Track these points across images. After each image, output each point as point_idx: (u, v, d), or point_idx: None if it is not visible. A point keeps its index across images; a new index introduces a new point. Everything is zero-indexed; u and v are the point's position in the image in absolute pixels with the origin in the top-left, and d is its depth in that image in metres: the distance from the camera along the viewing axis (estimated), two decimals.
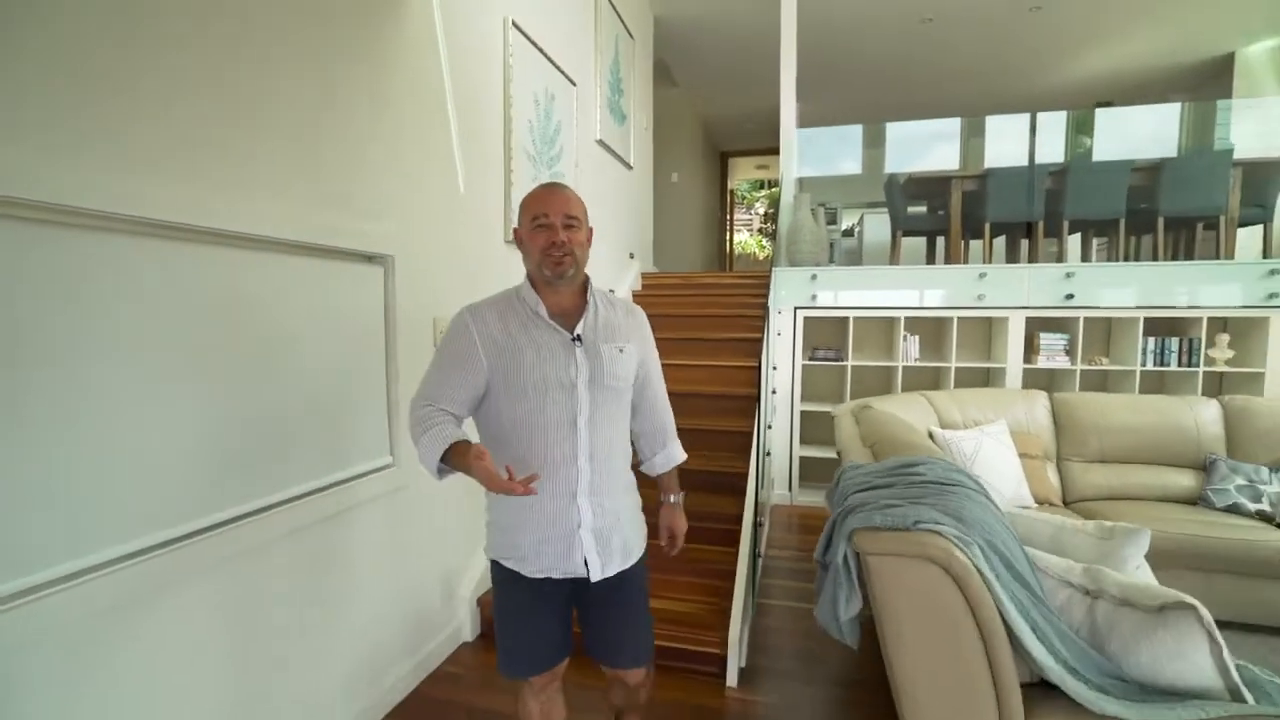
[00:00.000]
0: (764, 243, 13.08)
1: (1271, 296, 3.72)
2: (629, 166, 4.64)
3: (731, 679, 2.27)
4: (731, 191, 11.01)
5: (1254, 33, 5.66)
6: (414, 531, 2.25)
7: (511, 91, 2.77)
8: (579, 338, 1.34)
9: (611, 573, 1.38)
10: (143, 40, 1.29)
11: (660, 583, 2.58)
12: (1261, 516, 2.82)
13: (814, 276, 4.33)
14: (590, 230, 1.39)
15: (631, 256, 4.83)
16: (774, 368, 4.01)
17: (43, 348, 1.14)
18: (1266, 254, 4.46)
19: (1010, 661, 1.18)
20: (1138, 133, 6.45)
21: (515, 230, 1.38)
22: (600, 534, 1.36)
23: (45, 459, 1.15)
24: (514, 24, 2.79)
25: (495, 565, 1.43)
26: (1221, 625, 1.25)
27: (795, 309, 4.33)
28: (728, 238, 10.52)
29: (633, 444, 1.53)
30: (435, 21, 2.27)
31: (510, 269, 2.80)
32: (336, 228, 1.81)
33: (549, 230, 1.29)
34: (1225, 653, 1.21)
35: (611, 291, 1.54)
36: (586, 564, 1.35)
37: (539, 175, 3.06)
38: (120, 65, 1.24)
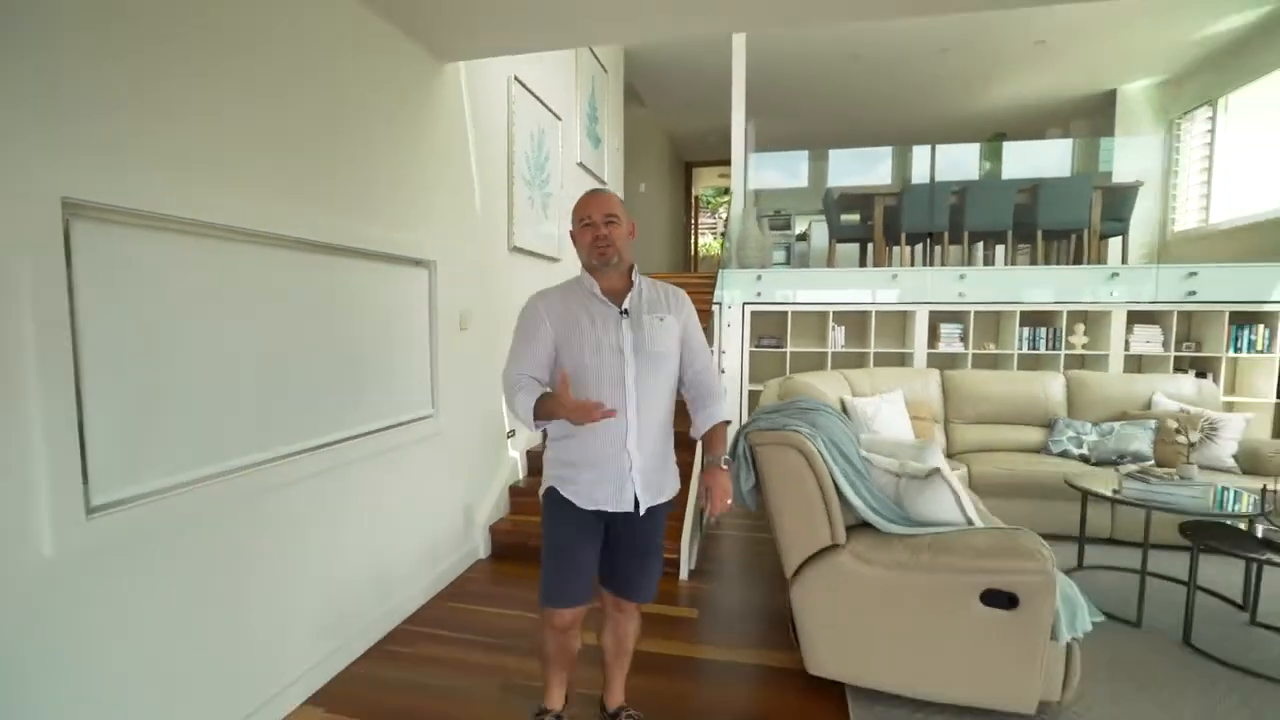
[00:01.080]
0: (726, 245, 13.95)
1: (1113, 294, 4.70)
2: (604, 183, 5.43)
3: (683, 575, 3.08)
4: (696, 198, 11.89)
5: (1132, 73, 6.71)
6: (445, 469, 3.01)
7: (513, 132, 3.54)
8: (626, 311, 1.62)
9: (652, 503, 1.64)
10: (292, 126, 2.03)
11: None
12: (1081, 459, 3.75)
13: (759, 277, 5.18)
14: (632, 224, 1.66)
15: None
16: (723, 352, 4.84)
17: (199, 324, 1.88)
18: (1124, 260, 5.47)
19: (836, 502, 2.01)
20: (1042, 159, 7.51)
21: (571, 231, 1.67)
22: (645, 474, 1.62)
23: (197, 402, 1.89)
24: (515, 78, 3.55)
25: (550, 493, 1.67)
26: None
27: (744, 304, 5.18)
28: (692, 241, 11.37)
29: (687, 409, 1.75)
30: (462, 84, 3.03)
31: (511, 272, 3.56)
32: (399, 241, 2.56)
33: (593, 228, 1.60)
34: (963, 499, 2.06)
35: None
36: (636, 500, 1.62)
37: (533, 196, 3.83)
38: (290, 146, 1.99)
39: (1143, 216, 6.48)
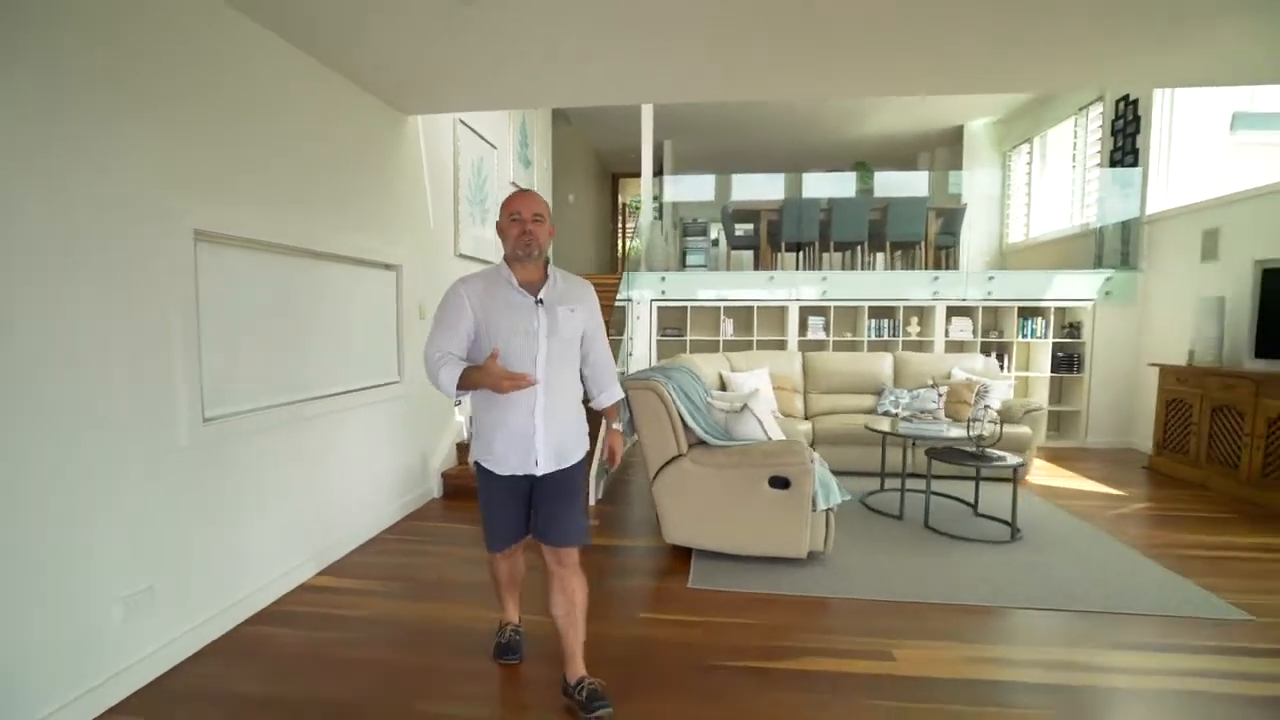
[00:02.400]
0: (635, 251, 15.07)
1: (935, 294, 6.03)
2: None
3: (592, 501, 4.09)
4: (625, 205, 12.94)
5: (975, 114, 8.17)
6: (410, 423, 3.91)
7: (459, 162, 4.46)
8: (541, 301, 1.82)
9: (553, 469, 1.87)
10: (304, 171, 2.92)
11: None
12: (898, 418, 4.99)
13: (663, 279, 6.26)
14: (552, 228, 1.88)
15: None
16: (632, 339, 5.89)
17: (256, 308, 2.76)
18: (957, 267, 6.85)
19: (680, 426, 3.07)
20: (910, 183, 8.95)
21: (498, 223, 1.86)
22: (548, 442, 1.84)
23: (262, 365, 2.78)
24: (460, 120, 4.47)
25: (478, 468, 1.92)
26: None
27: (651, 301, 6.25)
28: (619, 243, 12.41)
29: (584, 385, 2.01)
30: (419, 130, 3.94)
31: (457, 272, 4.46)
32: (376, 250, 3.45)
33: (521, 223, 1.80)
34: (765, 425, 3.17)
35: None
36: (538, 463, 1.85)
37: (473, 212, 4.75)
38: (302, 184, 2.88)
39: (988, 230, 8.00)
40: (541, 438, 1.84)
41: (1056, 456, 5.48)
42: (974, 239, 7.85)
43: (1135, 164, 5.79)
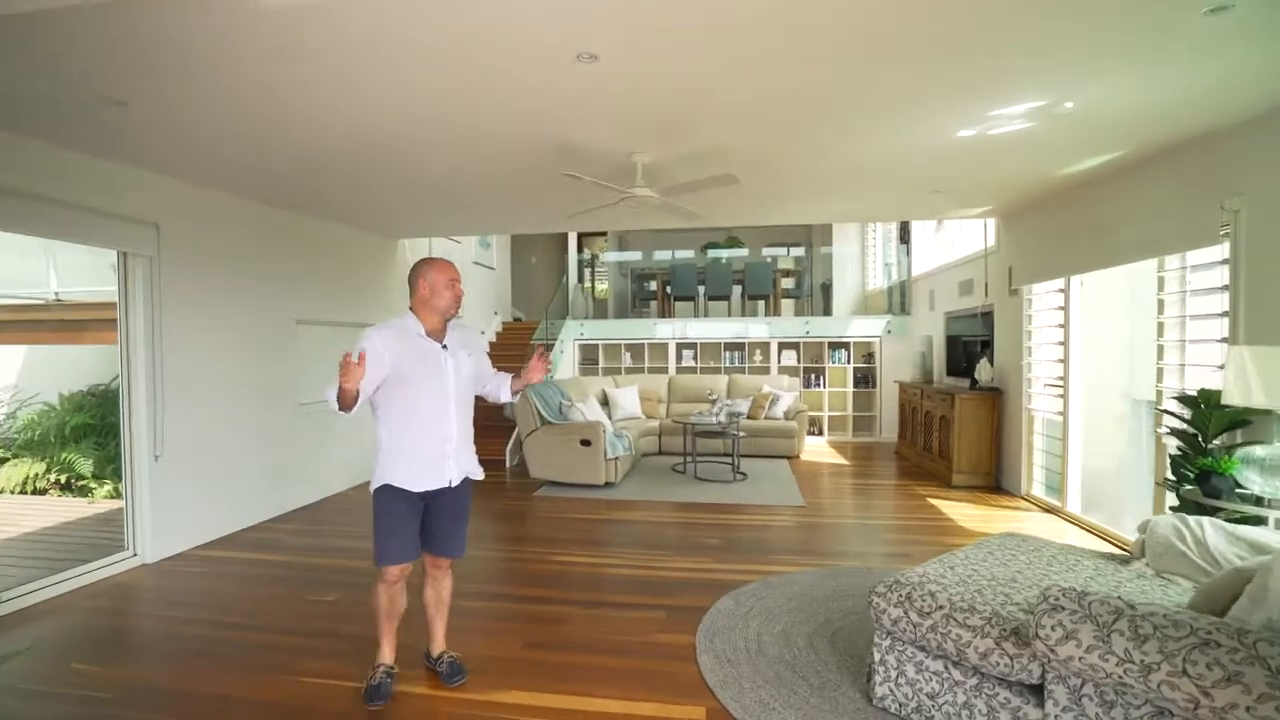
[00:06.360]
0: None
1: (770, 333, 8.61)
2: (492, 268, 9.11)
3: (507, 466, 6.68)
4: (594, 257, 15.71)
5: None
6: None
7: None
8: (446, 346, 2.28)
9: (459, 480, 2.30)
10: (333, 281, 5.65)
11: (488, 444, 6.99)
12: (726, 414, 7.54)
13: (582, 324, 8.93)
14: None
15: (496, 314, 9.28)
16: (555, 368, 8.54)
17: (313, 362, 5.47)
18: (799, 314, 9.41)
19: (536, 414, 5.69)
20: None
21: (423, 283, 2.25)
22: (458, 459, 2.30)
23: None
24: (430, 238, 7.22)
25: (382, 490, 2.22)
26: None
27: (574, 340, 8.91)
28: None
29: (485, 393, 2.53)
30: (405, 244, 6.68)
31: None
32: (374, 321, 6.15)
33: (456, 287, 2.28)
34: (586, 414, 5.80)
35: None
36: (451, 479, 2.27)
37: None
38: (334, 286, 5.60)
39: (854, 280, 10.54)
40: (453, 455, 2.29)
41: (842, 445, 7.99)
42: (844, 286, 10.42)
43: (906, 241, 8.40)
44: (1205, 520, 2.28)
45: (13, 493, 5.38)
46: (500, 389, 2.51)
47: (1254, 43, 2.30)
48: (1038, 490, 5.16)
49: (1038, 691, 1.80)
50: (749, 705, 2.20)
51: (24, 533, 4.45)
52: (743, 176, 3.92)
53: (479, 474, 2.41)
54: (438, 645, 2.46)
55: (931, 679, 2.02)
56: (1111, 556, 2.53)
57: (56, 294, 5.88)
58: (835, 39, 2.29)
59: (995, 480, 5.61)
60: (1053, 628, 1.65)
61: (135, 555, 3.74)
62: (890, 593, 2.11)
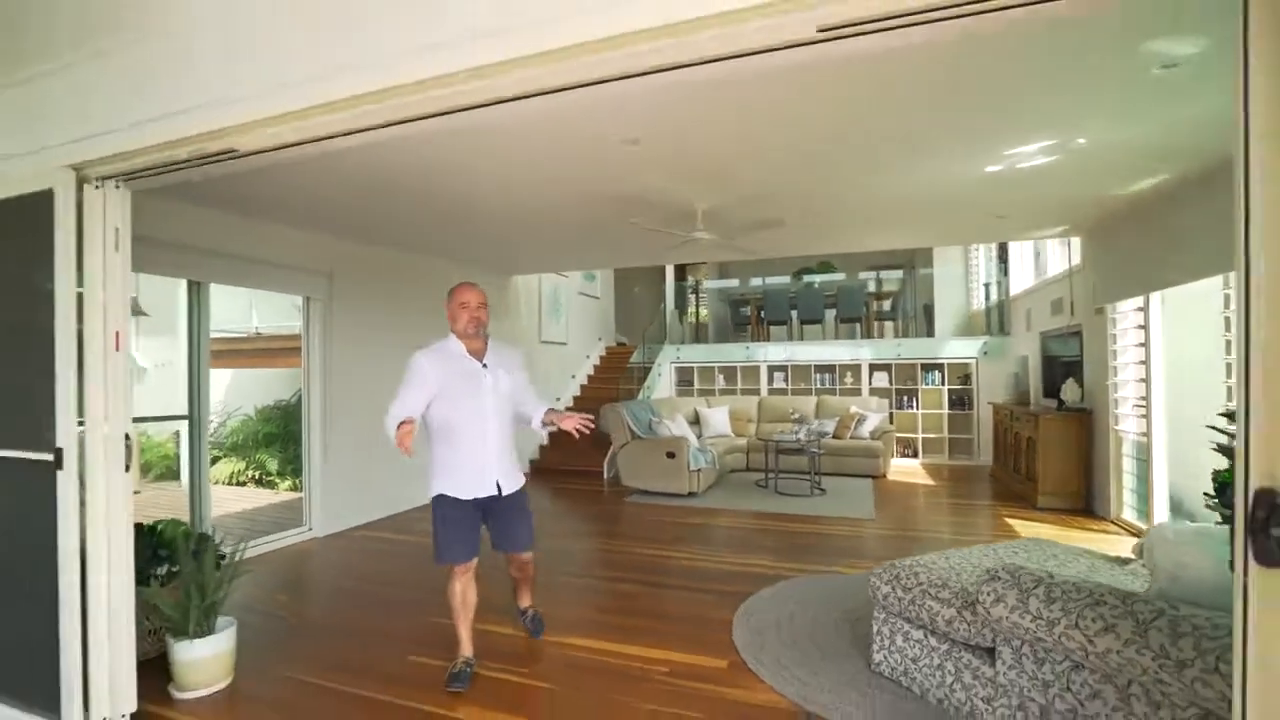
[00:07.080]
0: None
1: (860, 355, 8.75)
2: (597, 298, 10.01)
3: (605, 478, 7.40)
4: (698, 283, 16.37)
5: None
6: None
7: (541, 290, 8.15)
8: (486, 364, 2.52)
9: (508, 492, 2.56)
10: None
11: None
12: (807, 432, 7.81)
13: (678, 348, 9.56)
14: (488, 309, 2.59)
15: (600, 339, 10.15)
16: (654, 389, 9.20)
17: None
18: (896, 335, 9.44)
19: (629, 428, 6.36)
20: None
21: (447, 309, 2.54)
22: (501, 471, 2.54)
23: None
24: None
25: (439, 497, 2.48)
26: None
27: (670, 363, 9.55)
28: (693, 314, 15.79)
29: (520, 415, 2.67)
30: (518, 280, 7.68)
31: (539, 352, 8.08)
32: (502, 335, 7.15)
33: (469, 309, 2.51)
34: (673, 430, 6.39)
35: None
36: (499, 486, 2.53)
37: (545, 322, 8.38)
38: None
39: (958, 301, 10.39)
40: (494, 467, 2.52)
41: (936, 467, 7.95)
42: (946, 307, 10.30)
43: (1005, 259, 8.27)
44: (1193, 526, 2.45)
45: (223, 484, 6.86)
46: (535, 413, 2.64)
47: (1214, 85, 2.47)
48: (1129, 514, 5.03)
49: (990, 654, 2.14)
50: (765, 661, 2.67)
51: (237, 510, 5.80)
52: (787, 217, 4.41)
53: (517, 484, 2.65)
54: (525, 600, 3.00)
55: (915, 645, 2.38)
56: (1112, 558, 2.72)
57: (256, 328, 7.43)
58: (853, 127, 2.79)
59: (1085, 503, 5.49)
60: (989, 593, 2.02)
61: (310, 530, 4.83)
62: (884, 573, 2.51)
